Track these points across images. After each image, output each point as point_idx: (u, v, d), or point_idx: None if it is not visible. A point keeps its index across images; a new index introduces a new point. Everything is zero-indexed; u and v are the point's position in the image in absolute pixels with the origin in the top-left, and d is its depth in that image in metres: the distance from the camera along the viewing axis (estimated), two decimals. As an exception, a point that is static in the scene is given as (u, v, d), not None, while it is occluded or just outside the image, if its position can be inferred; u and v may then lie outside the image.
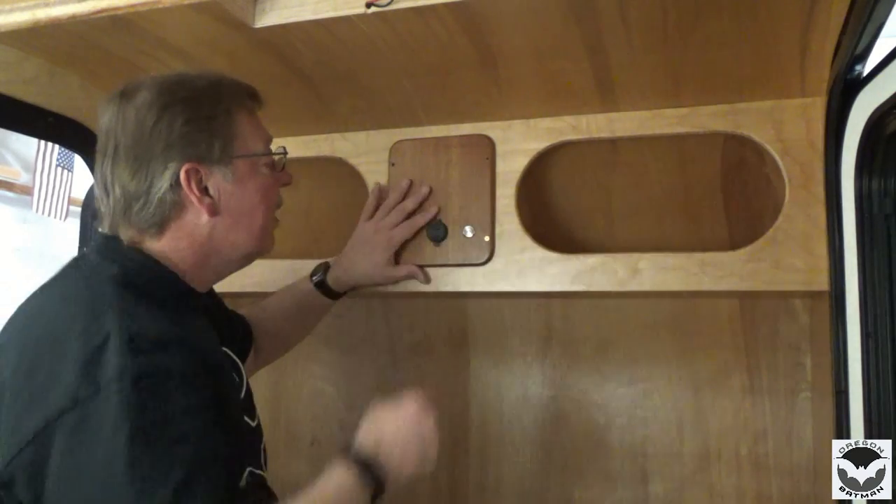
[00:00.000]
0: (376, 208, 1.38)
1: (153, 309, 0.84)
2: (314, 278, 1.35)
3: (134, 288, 0.86)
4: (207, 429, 0.78)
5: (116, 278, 0.86)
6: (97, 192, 0.96)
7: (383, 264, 1.33)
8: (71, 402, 0.75)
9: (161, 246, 0.94)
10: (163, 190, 0.91)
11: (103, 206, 0.95)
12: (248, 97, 1.03)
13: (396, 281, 1.38)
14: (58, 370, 0.78)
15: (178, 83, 0.96)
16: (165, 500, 0.71)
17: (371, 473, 0.90)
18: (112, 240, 0.94)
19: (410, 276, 1.35)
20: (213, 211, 0.94)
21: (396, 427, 0.95)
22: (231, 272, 1.05)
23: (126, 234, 0.94)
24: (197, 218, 0.94)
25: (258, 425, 1.05)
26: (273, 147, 1.08)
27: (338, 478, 0.88)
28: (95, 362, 0.76)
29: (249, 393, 1.05)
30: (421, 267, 1.38)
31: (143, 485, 0.71)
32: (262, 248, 1.04)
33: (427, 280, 1.38)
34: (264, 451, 1.05)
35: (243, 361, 1.09)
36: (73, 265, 0.94)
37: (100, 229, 0.97)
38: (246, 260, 1.04)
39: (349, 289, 1.37)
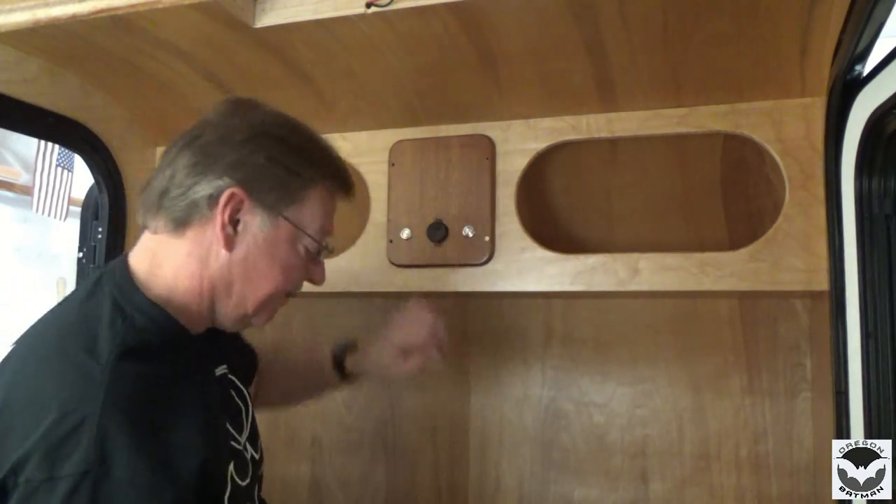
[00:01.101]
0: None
1: (151, 378, 0.79)
2: (335, 351, 1.24)
3: (135, 353, 0.80)
4: None
5: (118, 340, 0.80)
6: (155, 172, 0.91)
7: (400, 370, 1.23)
8: (22, 479, 0.70)
9: (176, 252, 0.89)
10: (201, 194, 0.87)
11: (152, 183, 0.91)
12: (340, 183, 0.97)
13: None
14: (27, 432, 0.72)
15: (291, 127, 0.95)
16: None
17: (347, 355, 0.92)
18: (128, 281, 0.88)
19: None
20: (228, 244, 0.88)
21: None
22: (221, 325, 0.95)
23: (152, 224, 0.90)
24: (212, 242, 0.88)
25: (260, 459, 1.02)
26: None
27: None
28: (61, 444, 0.71)
29: (253, 421, 1.02)
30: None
31: None
32: (255, 318, 0.95)
33: (440, 366, 1.29)
34: (261, 477, 1.02)
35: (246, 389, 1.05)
36: (84, 306, 0.87)
37: (140, 221, 0.93)
38: (237, 323, 0.95)
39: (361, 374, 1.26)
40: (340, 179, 0.97)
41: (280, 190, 0.90)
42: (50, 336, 0.85)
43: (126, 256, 0.92)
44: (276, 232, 0.90)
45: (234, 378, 1.01)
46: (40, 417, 0.73)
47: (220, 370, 0.98)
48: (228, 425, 0.92)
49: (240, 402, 1.00)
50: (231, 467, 0.88)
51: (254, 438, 1.02)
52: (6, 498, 0.70)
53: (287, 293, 0.96)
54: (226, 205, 0.86)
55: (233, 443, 0.92)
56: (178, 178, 0.88)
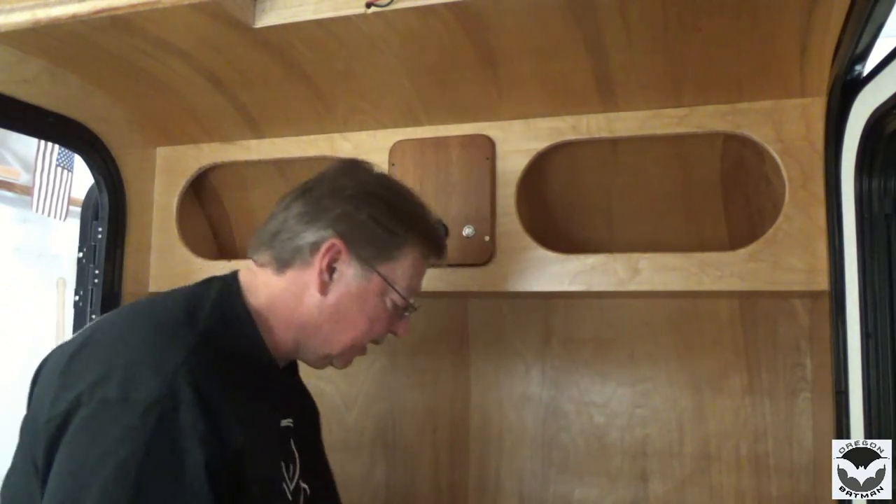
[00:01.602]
0: None
1: (224, 369, 0.86)
2: None
3: (221, 341, 0.88)
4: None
5: (210, 324, 0.89)
6: (270, 215, 1.02)
7: None
8: (97, 397, 0.77)
9: (274, 285, 0.98)
10: (306, 241, 0.97)
11: (267, 224, 1.02)
12: (432, 247, 1.05)
13: None
14: (110, 358, 0.81)
15: (395, 190, 1.04)
16: None
17: None
18: (237, 285, 0.98)
19: None
20: (322, 289, 0.97)
21: None
22: (304, 359, 1.05)
23: (259, 258, 1.00)
24: (308, 285, 0.97)
25: (321, 488, 1.04)
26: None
27: None
28: (140, 373, 0.78)
29: (302, 464, 1.02)
30: None
31: None
32: (336, 360, 1.04)
33: None
34: None
35: (307, 439, 1.07)
36: (195, 289, 0.96)
37: (249, 254, 1.03)
38: (319, 360, 1.03)
39: None
40: (434, 244, 1.05)
41: (377, 246, 0.98)
42: (148, 302, 0.95)
43: (237, 271, 1.02)
44: (368, 284, 0.98)
45: (294, 437, 1.02)
46: (125, 351, 0.81)
47: (286, 422, 1.00)
48: (281, 461, 0.94)
49: (291, 458, 0.99)
50: (284, 486, 0.92)
51: (316, 476, 1.03)
52: (75, 412, 0.77)
53: (367, 342, 1.05)
54: (325, 253, 0.96)
55: (283, 485, 0.94)
56: (289, 223, 0.99)
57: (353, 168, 1.06)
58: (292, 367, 1.10)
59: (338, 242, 0.96)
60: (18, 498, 0.86)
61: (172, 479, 0.74)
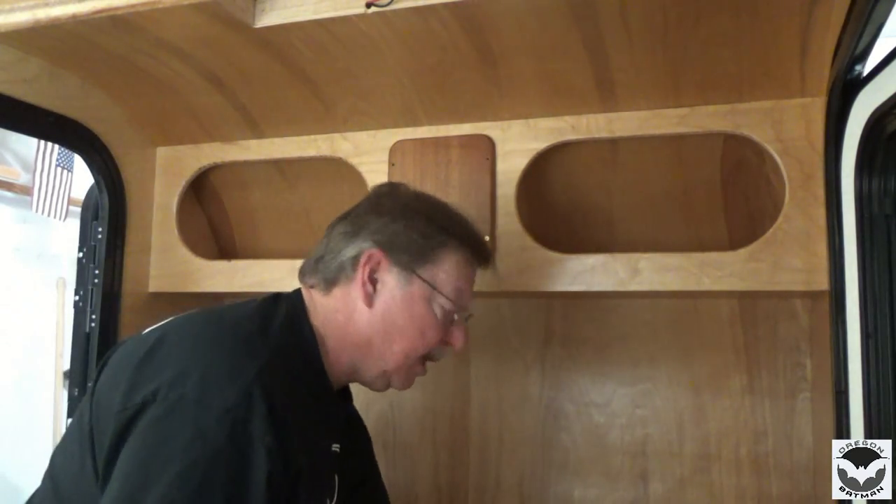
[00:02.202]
0: None
1: (291, 388, 0.86)
2: None
3: (289, 360, 0.89)
4: None
5: (282, 343, 0.90)
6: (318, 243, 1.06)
7: None
8: (175, 394, 0.78)
9: (325, 308, 1.00)
10: (347, 256, 1.00)
11: (314, 250, 1.07)
12: (473, 250, 1.05)
13: None
14: (188, 358, 0.82)
15: (433, 203, 1.07)
16: None
17: None
18: (302, 308, 0.99)
19: None
20: (368, 300, 0.98)
21: None
22: (363, 381, 1.04)
23: (308, 281, 1.03)
24: (356, 299, 0.98)
25: None
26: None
27: None
28: (219, 378, 0.79)
29: (339, 493, 1.04)
30: None
31: None
32: (394, 378, 1.02)
33: None
34: None
35: (350, 466, 1.08)
36: (266, 302, 0.98)
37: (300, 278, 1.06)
38: (377, 379, 1.03)
39: None
40: (475, 247, 1.06)
41: (415, 251, 1.00)
42: (222, 310, 0.97)
43: (299, 290, 1.04)
44: (411, 289, 0.99)
45: (341, 463, 1.03)
46: (203, 354, 0.83)
47: (335, 447, 1.01)
48: (327, 486, 0.95)
49: (331, 483, 1.01)
50: None
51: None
52: (150, 405, 0.78)
53: (424, 355, 1.03)
54: (366, 263, 0.98)
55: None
56: (332, 244, 1.03)
57: (392, 188, 1.10)
58: (346, 394, 1.12)
59: (376, 252, 0.98)
60: (66, 475, 0.88)
61: (235, 487, 0.75)
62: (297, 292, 1.03)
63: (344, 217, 1.06)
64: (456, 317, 1.04)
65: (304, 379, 0.92)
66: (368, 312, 0.98)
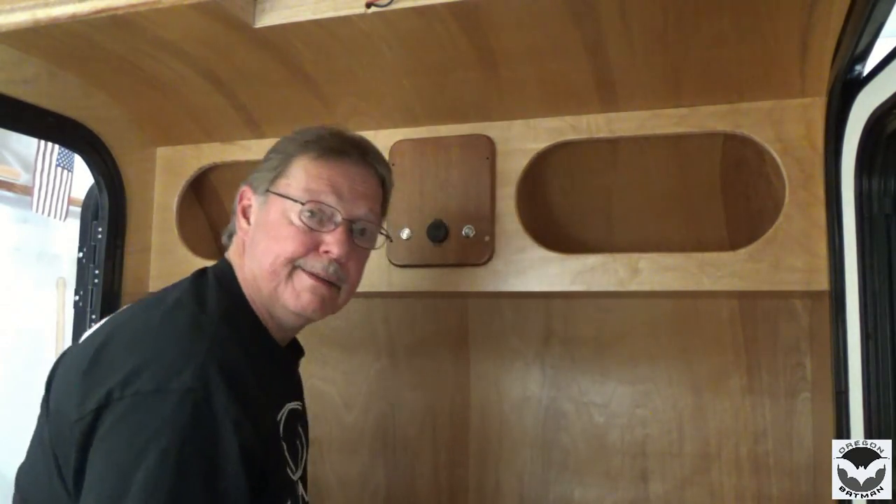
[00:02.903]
0: None
1: (244, 356, 0.87)
2: None
3: (235, 328, 0.91)
4: (234, 486, 0.78)
5: (224, 311, 0.92)
6: None
7: None
8: (131, 391, 0.78)
9: (235, 253, 1.04)
10: (234, 204, 1.07)
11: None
12: (324, 147, 1.01)
13: None
14: (137, 354, 0.82)
15: (299, 129, 1.08)
16: None
17: None
18: (230, 270, 1.02)
19: None
20: (245, 234, 1.03)
21: None
22: (279, 321, 1.01)
23: (226, 241, 1.08)
24: (241, 238, 1.04)
25: (308, 501, 1.05)
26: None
27: None
28: (172, 365, 0.80)
29: (306, 467, 1.05)
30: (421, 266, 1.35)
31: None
32: (284, 299, 0.97)
33: None
34: None
35: (307, 423, 1.10)
36: (194, 279, 0.99)
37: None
38: (279, 308, 0.99)
39: None
40: (323, 143, 1.01)
41: (269, 172, 1.03)
42: (158, 298, 0.96)
43: (224, 257, 1.06)
44: (268, 207, 1.01)
45: (299, 419, 1.04)
46: (151, 344, 0.83)
47: (294, 405, 1.01)
48: (287, 450, 0.94)
49: (299, 443, 1.02)
50: (288, 472, 0.93)
51: (304, 480, 1.04)
52: (107, 409, 0.78)
53: (300, 266, 0.97)
54: (240, 202, 1.05)
55: (287, 470, 0.94)
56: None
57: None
58: (296, 351, 1.11)
59: (244, 189, 1.05)
60: (37, 491, 0.87)
61: (210, 465, 0.77)
62: (223, 258, 1.05)
63: None
64: (326, 222, 0.98)
65: (253, 342, 0.93)
66: (247, 238, 1.02)
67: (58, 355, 0.95)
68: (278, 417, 0.92)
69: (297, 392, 1.06)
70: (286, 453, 0.93)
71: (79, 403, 0.80)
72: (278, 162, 1.02)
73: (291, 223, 0.98)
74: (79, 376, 0.83)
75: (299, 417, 1.03)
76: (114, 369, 0.81)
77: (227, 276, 1.00)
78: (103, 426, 0.78)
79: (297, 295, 0.97)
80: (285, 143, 1.05)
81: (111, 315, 0.96)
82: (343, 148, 1.02)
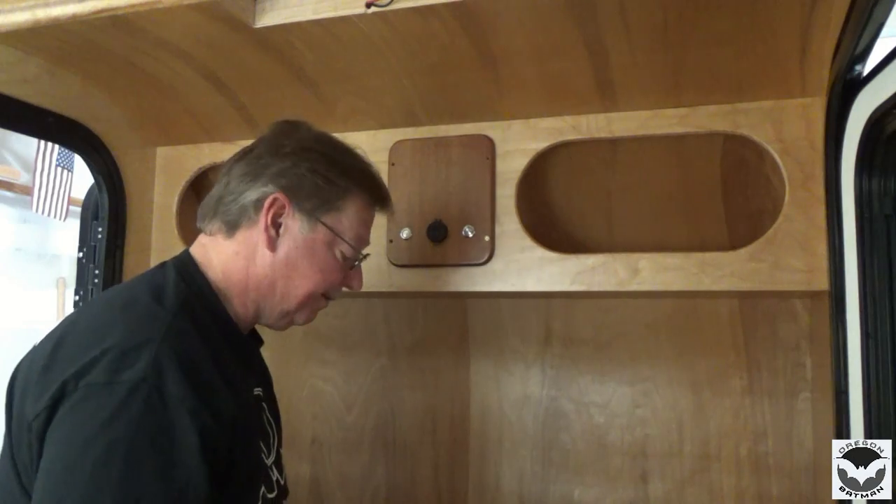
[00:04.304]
0: None
1: (201, 343, 0.86)
2: None
3: (192, 316, 0.89)
4: (194, 477, 0.77)
5: (180, 300, 0.90)
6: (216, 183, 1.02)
7: None
8: (83, 382, 0.77)
9: (225, 251, 0.99)
10: (249, 199, 0.97)
11: (211, 191, 1.02)
12: (376, 195, 1.06)
13: None
14: (90, 349, 0.80)
15: (333, 144, 1.05)
16: None
17: None
18: (190, 260, 0.99)
19: None
20: (271, 245, 0.97)
21: None
22: (265, 322, 1.04)
23: (208, 227, 1.01)
24: (258, 243, 0.98)
25: (285, 484, 1.04)
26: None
27: None
28: (123, 357, 0.79)
29: (279, 451, 1.05)
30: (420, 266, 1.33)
31: (90, 498, 0.72)
32: (297, 316, 1.04)
33: None
34: None
35: (273, 408, 1.09)
36: (152, 273, 0.97)
37: (198, 226, 1.03)
38: (280, 319, 1.03)
39: None
40: (376, 192, 1.06)
41: (319, 197, 0.99)
42: (114, 292, 0.96)
43: (187, 249, 1.02)
44: (315, 235, 0.99)
45: (266, 405, 1.04)
46: (106, 337, 0.81)
47: (257, 391, 1.01)
48: (259, 438, 0.94)
49: (269, 428, 1.02)
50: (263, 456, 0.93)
51: (279, 467, 1.03)
52: (60, 402, 0.77)
53: (325, 295, 1.04)
54: (269, 208, 0.96)
55: (261, 455, 0.94)
56: (232, 185, 0.99)
57: (292, 127, 1.05)
58: (256, 338, 1.11)
59: (280, 196, 0.96)
60: (2, 498, 0.86)
61: (163, 456, 0.75)
62: (185, 251, 1.01)
63: (242, 157, 1.02)
64: (356, 262, 1.05)
65: (213, 329, 0.91)
66: (271, 256, 0.97)
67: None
68: (243, 404, 0.91)
69: (261, 378, 1.05)
70: (257, 439, 0.93)
71: (34, 402, 0.80)
72: (329, 189, 0.99)
73: (336, 259, 1.01)
74: (36, 376, 0.83)
75: (266, 403, 1.03)
76: (69, 363, 0.80)
77: (189, 267, 0.97)
78: (56, 418, 0.77)
79: (311, 315, 1.05)
80: (336, 170, 1.00)
81: (69, 314, 0.95)
82: (386, 202, 1.08)
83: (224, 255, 0.98)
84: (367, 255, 1.07)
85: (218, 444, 0.80)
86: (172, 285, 0.92)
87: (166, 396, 0.77)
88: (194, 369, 0.81)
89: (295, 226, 0.98)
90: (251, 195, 0.97)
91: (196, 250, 1.01)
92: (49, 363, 0.83)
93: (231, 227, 0.99)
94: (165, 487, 0.74)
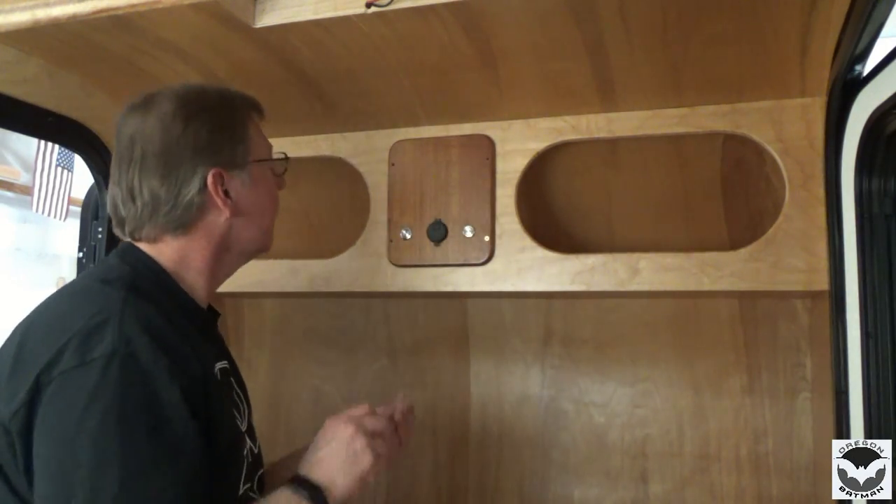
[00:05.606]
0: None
1: (158, 314, 0.88)
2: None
3: (145, 292, 0.90)
4: (183, 430, 0.80)
5: (128, 278, 0.91)
6: (118, 197, 0.99)
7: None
8: (57, 371, 0.79)
9: (181, 245, 0.98)
10: (191, 194, 0.96)
11: (127, 211, 0.98)
12: (255, 109, 1.08)
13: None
14: (55, 340, 0.82)
15: (196, 94, 1.01)
16: (113, 490, 0.74)
17: (317, 497, 0.89)
18: (132, 248, 0.99)
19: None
20: (235, 212, 1.00)
21: (332, 448, 0.95)
22: (233, 272, 1.08)
23: (150, 234, 0.98)
24: (218, 218, 0.99)
25: (259, 452, 1.05)
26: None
27: (286, 500, 0.88)
28: (89, 337, 0.80)
29: (251, 420, 1.06)
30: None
31: (98, 467, 0.75)
32: (267, 246, 1.09)
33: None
34: (261, 479, 1.04)
35: (241, 383, 1.09)
36: (95, 265, 0.98)
37: (123, 236, 1.01)
38: (250, 257, 1.09)
39: None
40: (252, 105, 1.07)
41: (237, 146, 1.01)
42: (61, 290, 0.96)
43: (125, 243, 1.02)
44: (253, 176, 1.03)
45: (234, 377, 1.04)
46: (67, 326, 0.83)
47: (222, 364, 1.01)
48: (230, 405, 0.96)
49: (238, 399, 1.02)
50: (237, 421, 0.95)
51: (252, 435, 1.04)
52: (38, 396, 0.79)
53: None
54: (215, 186, 0.97)
55: (236, 421, 0.96)
56: (160, 195, 0.96)
57: (148, 109, 0.98)
58: (212, 311, 1.10)
59: (214, 170, 0.97)
60: None
61: (154, 415, 0.78)
62: (125, 243, 1.01)
63: (140, 166, 0.96)
64: (284, 169, 1.12)
65: (165, 301, 0.92)
66: (235, 219, 1.00)
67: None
68: (210, 369, 0.93)
69: (222, 353, 1.05)
70: (229, 405, 0.95)
71: (8, 401, 0.81)
72: (236, 132, 1.01)
73: (272, 179, 1.08)
74: (4, 379, 0.84)
75: (232, 375, 1.04)
76: (36, 359, 0.81)
77: (131, 253, 0.98)
78: (38, 413, 0.79)
79: (273, 236, 1.10)
80: (228, 112, 1.02)
81: (19, 322, 0.95)
82: (258, 103, 1.09)
83: (180, 250, 0.98)
84: (286, 155, 1.12)
85: (196, 403, 0.82)
86: (116, 268, 0.94)
87: (141, 362, 0.79)
88: (159, 335, 0.83)
89: (237, 182, 1.01)
90: (189, 189, 0.96)
91: (141, 245, 0.99)
92: (15, 363, 0.84)
93: (180, 227, 0.97)
94: (161, 446, 0.78)
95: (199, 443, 0.81)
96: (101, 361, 0.78)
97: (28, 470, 0.80)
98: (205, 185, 0.96)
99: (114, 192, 1.00)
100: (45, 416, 0.78)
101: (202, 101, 1.00)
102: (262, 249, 1.09)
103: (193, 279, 1.00)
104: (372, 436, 0.97)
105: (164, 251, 0.98)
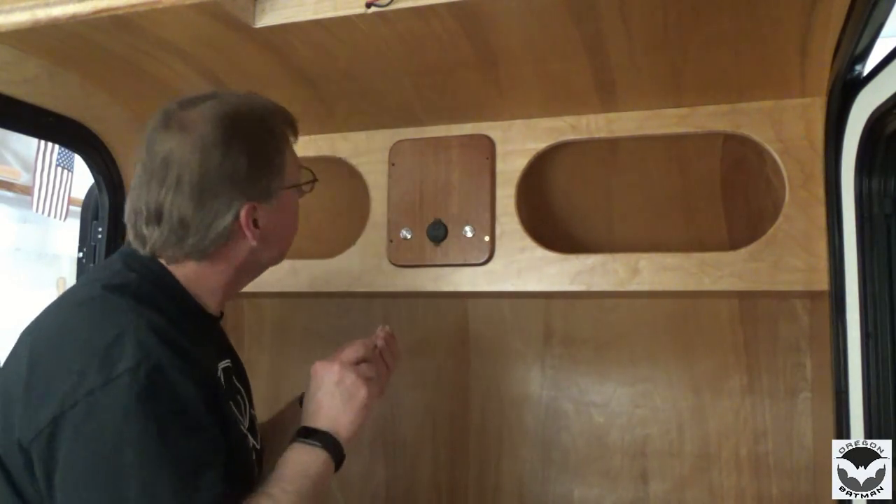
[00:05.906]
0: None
1: (165, 320, 0.89)
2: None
3: (149, 299, 0.90)
4: (212, 429, 0.84)
5: (133, 286, 0.92)
6: (143, 216, 0.95)
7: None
8: (83, 392, 0.79)
9: (201, 268, 0.98)
10: (223, 226, 0.95)
11: (150, 231, 0.95)
12: (291, 128, 1.05)
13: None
14: (72, 360, 0.82)
15: (235, 115, 0.97)
16: (168, 492, 0.77)
17: (327, 441, 0.94)
18: (135, 254, 0.98)
19: None
20: (261, 240, 0.99)
21: (325, 393, 1.00)
22: (262, 266, 1.08)
23: (173, 256, 0.97)
24: (243, 245, 0.99)
25: (261, 448, 1.06)
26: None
27: (298, 456, 0.93)
28: (109, 354, 0.81)
29: (252, 416, 1.07)
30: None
31: (150, 473, 0.77)
32: (281, 260, 1.10)
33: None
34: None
35: (244, 380, 1.10)
36: (94, 271, 0.99)
37: (140, 250, 0.97)
38: (264, 271, 1.09)
39: None
40: (290, 124, 1.05)
41: (273, 179, 1.00)
42: (64, 300, 0.95)
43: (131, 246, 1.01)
44: (281, 201, 1.02)
45: (235, 374, 1.05)
46: (82, 344, 0.84)
47: (224, 363, 1.02)
48: (231, 404, 0.96)
49: (239, 396, 1.03)
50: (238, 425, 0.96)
51: (254, 431, 1.05)
52: (63, 419, 0.79)
53: None
54: (247, 219, 0.96)
55: (239, 425, 0.96)
56: (191, 222, 0.94)
57: (184, 129, 0.95)
58: (218, 315, 1.10)
59: (248, 205, 0.95)
60: None
61: (187, 416, 0.81)
62: (128, 250, 1.00)
63: (175, 190, 0.93)
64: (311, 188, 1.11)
65: (173, 309, 0.93)
66: (257, 242, 0.98)
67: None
68: (214, 368, 0.94)
69: (224, 351, 1.06)
70: (231, 404, 0.96)
71: (29, 421, 0.81)
72: (277, 162, 0.99)
73: (297, 201, 1.08)
74: (18, 395, 0.83)
75: (234, 372, 1.05)
76: (54, 381, 0.81)
77: (133, 257, 0.97)
78: (65, 435, 0.79)
79: None
80: (269, 139, 0.99)
81: (21, 332, 0.94)
82: (295, 122, 1.06)
83: (199, 272, 0.98)
84: (315, 176, 1.10)
85: (210, 403, 0.85)
86: (120, 275, 0.94)
87: (163, 369, 0.81)
88: (171, 339, 0.85)
89: (267, 211, 0.99)
90: (222, 221, 0.94)
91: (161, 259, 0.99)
92: (29, 384, 0.84)
93: (204, 253, 0.96)
94: (203, 441, 0.82)
95: (223, 441, 0.85)
96: (127, 376, 0.79)
97: (50, 493, 0.80)
98: (237, 216, 0.95)
99: (136, 207, 0.96)
100: (77, 437, 0.78)
101: (242, 125, 0.96)
102: (276, 264, 1.10)
103: (207, 297, 1.00)
104: (357, 364, 1.02)
105: (180, 270, 0.97)
